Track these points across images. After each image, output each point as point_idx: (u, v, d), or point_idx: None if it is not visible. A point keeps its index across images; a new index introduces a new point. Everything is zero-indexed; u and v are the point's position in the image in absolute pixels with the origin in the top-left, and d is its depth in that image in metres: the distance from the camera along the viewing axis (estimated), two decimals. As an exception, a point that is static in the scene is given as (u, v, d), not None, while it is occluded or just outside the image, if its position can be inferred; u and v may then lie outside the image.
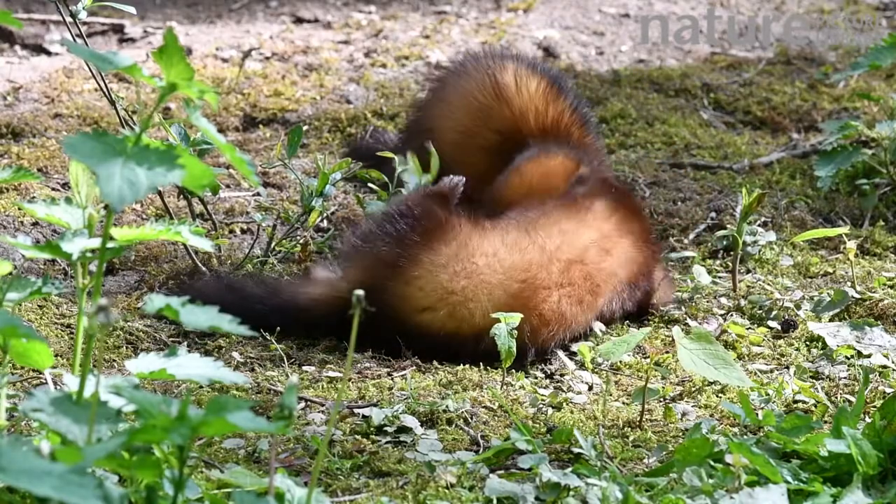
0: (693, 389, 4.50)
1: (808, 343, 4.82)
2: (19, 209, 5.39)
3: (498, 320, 4.47)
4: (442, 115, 5.45)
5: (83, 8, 5.00)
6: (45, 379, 4.01)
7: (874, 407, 4.19)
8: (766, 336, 4.87)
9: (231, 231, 5.54)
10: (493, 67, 5.38)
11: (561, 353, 4.71)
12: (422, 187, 5.04)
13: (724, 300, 5.10)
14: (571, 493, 3.75)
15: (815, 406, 4.36)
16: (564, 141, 5.28)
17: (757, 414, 4.15)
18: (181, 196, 5.35)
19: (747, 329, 4.89)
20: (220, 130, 6.24)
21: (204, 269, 5.13)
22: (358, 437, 4.13)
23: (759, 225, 5.51)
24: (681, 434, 4.18)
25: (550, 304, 4.68)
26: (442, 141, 5.27)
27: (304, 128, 6.17)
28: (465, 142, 5.35)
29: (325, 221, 5.52)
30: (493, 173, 5.25)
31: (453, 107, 5.43)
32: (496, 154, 5.28)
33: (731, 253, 5.25)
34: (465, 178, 4.96)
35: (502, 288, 4.64)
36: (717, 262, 5.40)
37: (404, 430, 4.17)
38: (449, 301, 4.62)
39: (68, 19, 5.09)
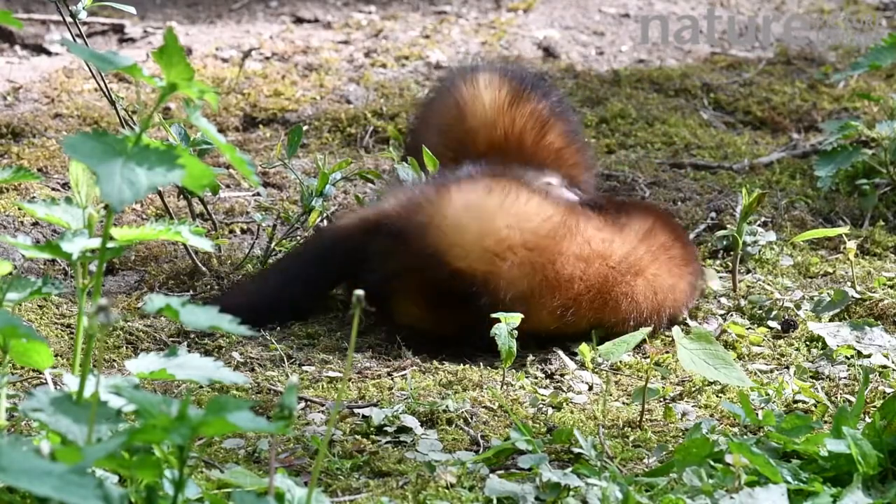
0: (693, 389, 4.50)
1: (808, 343, 4.82)
2: (19, 209, 5.39)
3: (498, 320, 4.48)
4: (421, 136, 5.42)
5: (83, 8, 5.00)
6: (45, 379, 4.01)
7: (874, 407, 4.19)
8: (766, 336, 4.87)
9: (231, 231, 5.54)
10: (459, 82, 5.30)
11: (561, 353, 4.71)
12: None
13: (724, 300, 5.10)
14: (571, 493, 3.75)
15: (815, 406, 4.36)
16: (514, 154, 5.21)
17: (757, 414, 4.15)
18: (181, 196, 5.35)
19: (747, 329, 4.89)
20: (220, 130, 6.24)
21: (204, 269, 5.13)
22: (358, 437, 4.13)
23: (759, 225, 5.51)
24: (681, 434, 4.18)
25: (566, 259, 4.66)
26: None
27: (304, 128, 6.17)
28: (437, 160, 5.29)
29: (324, 221, 5.52)
30: None
31: (426, 123, 5.40)
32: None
33: (731, 253, 5.25)
34: None
35: (529, 221, 4.67)
36: (717, 262, 5.40)
37: (404, 430, 4.17)
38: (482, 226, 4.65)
39: (68, 19, 5.09)
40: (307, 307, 4.91)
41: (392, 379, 4.52)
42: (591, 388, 4.53)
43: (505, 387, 4.49)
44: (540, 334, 4.71)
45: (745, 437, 4.03)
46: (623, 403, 4.42)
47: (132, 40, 7.24)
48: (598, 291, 4.73)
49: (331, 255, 4.88)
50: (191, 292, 5.06)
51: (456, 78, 5.34)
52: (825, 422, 4.15)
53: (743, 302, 5.06)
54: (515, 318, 4.47)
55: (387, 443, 4.11)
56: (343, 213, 5.21)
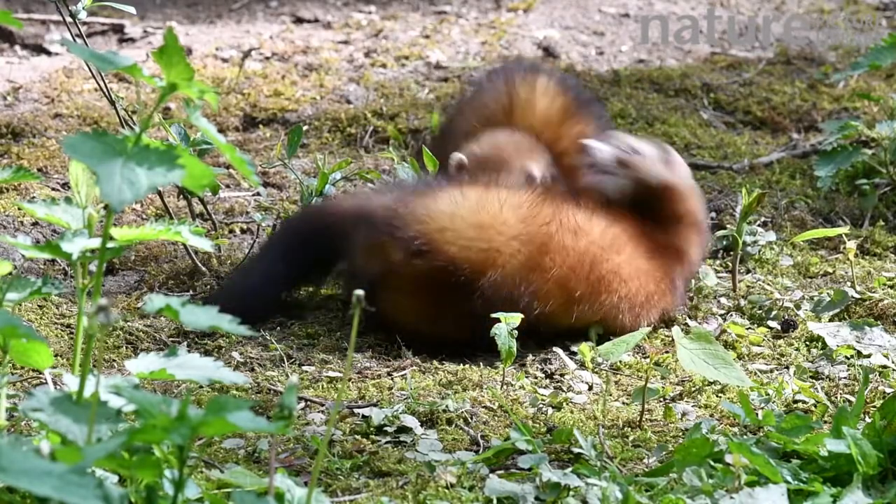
0: (693, 389, 4.50)
1: (808, 343, 4.82)
2: (19, 209, 5.40)
3: (498, 319, 4.47)
4: (463, 119, 5.46)
5: (83, 8, 5.00)
6: (45, 379, 4.01)
7: (874, 407, 4.19)
8: (766, 336, 4.87)
9: (231, 231, 5.54)
10: (516, 78, 5.36)
11: (561, 353, 4.71)
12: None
13: (724, 300, 5.10)
14: (571, 493, 3.75)
15: (815, 406, 4.36)
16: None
17: (757, 414, 4.15)
18: (181, 196, 5.35)
19: (747, 329, 4.89)
20: (220, 130, 6.25)
21: (204, 269, 5.13)
22: (358, 437, 4.13)
23: (759, 225, 5.52)
24: (681, 434, 4.18)
25: (557, 225, 4.69)
26: (457, 144, 5.26)
27: (304, 128, 6.18)
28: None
29: (324, 221, 5.53)
30: None
31: (471, 110, 5.44)
32: None
33: (731, 253, 5.25)
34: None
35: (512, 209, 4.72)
36: (717, 262, 5.40)
37: (404, 430, 4.17)
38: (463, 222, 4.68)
39: (68, 19, 5.09)
40: (293, 282, 4.99)
41: (392, 379, 4.52)
42: (591, 388, 4.53)
43: (505, 387, 4.49)
44: (547, 320, 4.70)
45: (745, 437, 4.03)
46: (623, 403, 4.42)
47: (132, 40, 7.24)
48: (591, 265, 4.74)
49: (315, 232, 4.93)
50: (191, 292, 5.06)
51: (514, 72, 5.39)
52: (825, 422, 4.14)
53: (743, 302, 5.06)
54: (516, 318, 4.47)
55: (387, 443, 4.11)
56: (338, 196, 5.21)
